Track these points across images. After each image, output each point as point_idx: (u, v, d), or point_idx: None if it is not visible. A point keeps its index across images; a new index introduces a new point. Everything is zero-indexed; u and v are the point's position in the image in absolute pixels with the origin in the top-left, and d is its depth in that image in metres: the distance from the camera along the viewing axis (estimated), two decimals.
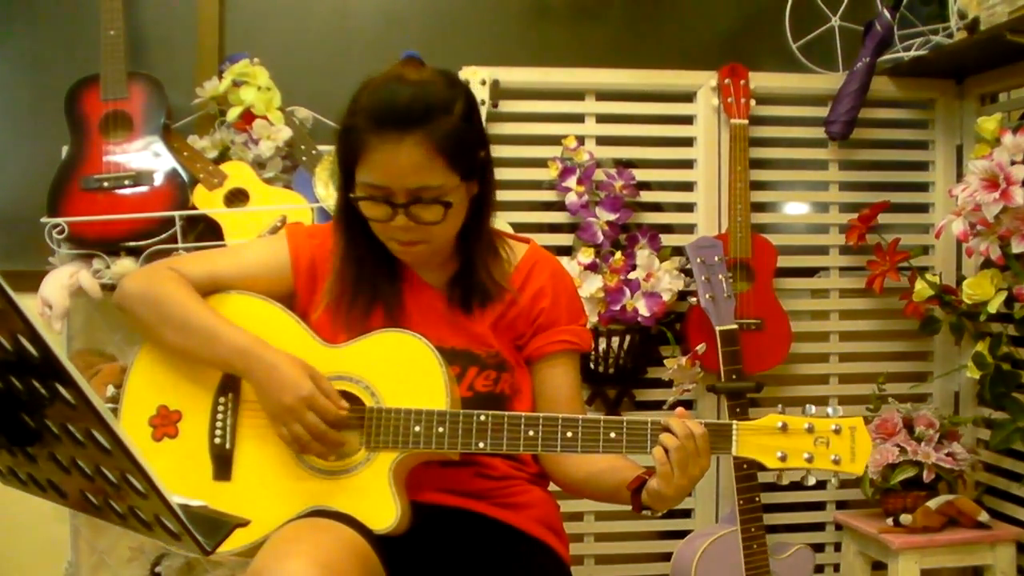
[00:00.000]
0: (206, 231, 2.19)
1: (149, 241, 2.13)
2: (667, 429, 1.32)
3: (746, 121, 2.38)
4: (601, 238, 2.28)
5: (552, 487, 1.58)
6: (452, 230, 1.44)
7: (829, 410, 1.35)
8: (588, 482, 1.48)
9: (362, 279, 1.48)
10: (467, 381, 1.47)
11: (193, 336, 1.42)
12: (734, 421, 1.35)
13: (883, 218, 2.40)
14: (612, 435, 1.35)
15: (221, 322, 1.42)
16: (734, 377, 2.20)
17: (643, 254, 2.28)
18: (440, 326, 1.48)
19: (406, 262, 1.48)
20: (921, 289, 2.30)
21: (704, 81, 2.42)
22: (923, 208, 2.56)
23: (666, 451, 1.30)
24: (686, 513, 2.44)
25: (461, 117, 1.37)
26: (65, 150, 2.21)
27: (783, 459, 1.33)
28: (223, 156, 2.27)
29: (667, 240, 2.36)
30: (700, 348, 2.22)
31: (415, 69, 1.39)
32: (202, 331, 1.41)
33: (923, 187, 2.57)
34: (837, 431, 1.33)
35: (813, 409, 1.35)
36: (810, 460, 1.33)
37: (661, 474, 1.30)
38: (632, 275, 2.26)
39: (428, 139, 1.33)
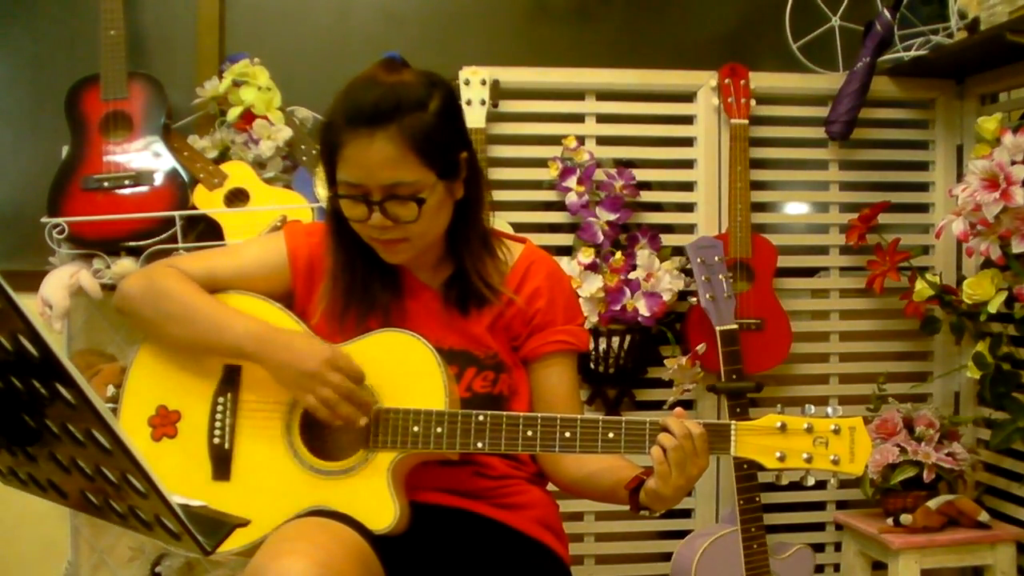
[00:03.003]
0: (206, 231, 2.19)
1: (149, 241, 2.13)
2: (665, 429, 1.32)
3: (746, 121, 2.38)
4: (601, 238, 2.28)
5: (551, 487, 1.58)
6: (432, 229, 1.44)
7: (828, 410, 1.35)
8: (586, 482, 1.48)
9: (355, 283, 1.47)
10: (465, 382, 1.47)
11: (199, 327, 1.42)
12: (732, 421, 1.35)
13: (883, 218, 2.40)
14: (610, 435, 1.35)
15: (226, 310, 1.43)
16: (734, 377, 2.20)
17: (643, 254, 2.28)
18: (438, 327, 1.48)
19: (391, 263, 1.47)
20: (921, 289, 2.30)
21: (704, 81, 2.42)
22: (923, 208, 2.56)
23: (664, 451, 1.30)
24: (686, 513, 2.44)
25: (436, 115, 1.37)
26: (65, 150, 2.21)
27: (782, 459, 1.32)
28: (223, 156, 2.28)
29: (667, 240, 2.36)
30: (700, 348, 2.22)
31: (392, 69, 1.40)
32: (208, 320, 1.42)
33: (923, 187, 2.57)
34: (836, 431, 1.33)
35: (812, 409, 1.35)
36: (809, 460, 1.32)
37: (659, 474, 1.30)
38: (632, 275, 2.26)
39: (399, 135, 1.34)
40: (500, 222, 2.30)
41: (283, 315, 1.47)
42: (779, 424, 1.33)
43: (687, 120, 2.46)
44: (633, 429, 1.35)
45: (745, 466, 2.17)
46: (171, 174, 2.18)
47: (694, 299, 2.27)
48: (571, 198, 2.31)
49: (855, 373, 2.51)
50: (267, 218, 2.12)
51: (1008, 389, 2.16)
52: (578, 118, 2.42)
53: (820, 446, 1.32)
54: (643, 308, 2.25)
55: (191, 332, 1.43)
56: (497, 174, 2.36)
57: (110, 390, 2.06)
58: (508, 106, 2.37)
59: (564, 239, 2.37)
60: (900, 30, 2.42)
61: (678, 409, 1.37)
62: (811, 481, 1.34)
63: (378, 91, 1.35)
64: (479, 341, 1.49)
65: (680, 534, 2.36)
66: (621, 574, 2.45)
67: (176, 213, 2.13)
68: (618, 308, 2.25)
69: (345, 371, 1.36)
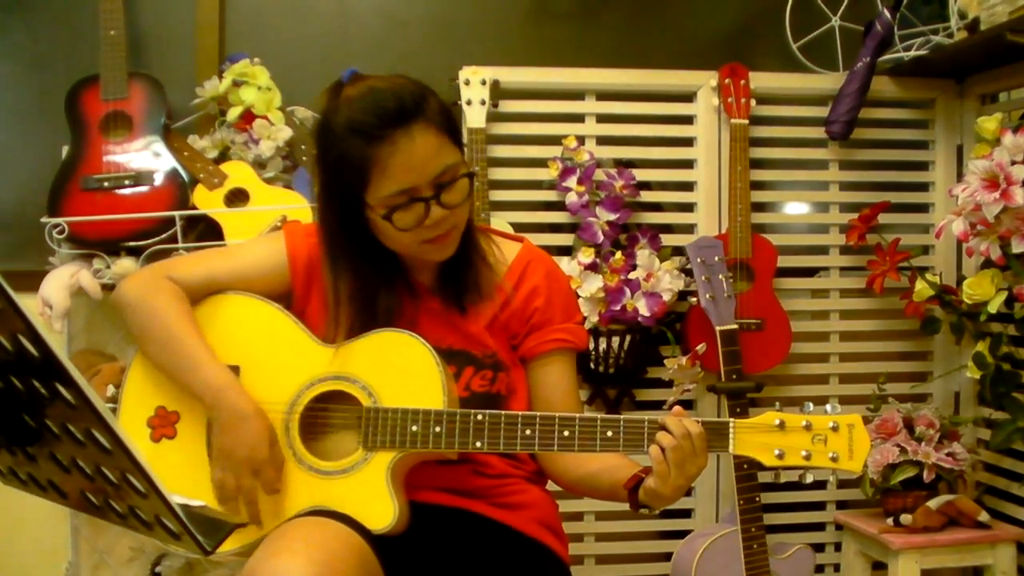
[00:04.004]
0: (206, 231, 2.19)
1: (149, 241, 2.13)
2: (664, 428, 1.32)
3: (746, 121, 2.38)
4: (601, 238, 2.28)
5: (551, 486, 1.58)
6: (469, 208, 1.46)
7: (827, 407, 1.35)
8: (585, 481, 1.48)
9: (366, 302, 1.45)
10: (463, 381, 1.47)
11: (172, 359, 1.42)
12: (731, 419, 1.34)
13: (883, 218, 2.40)
14: (609, 434, 1.35)
15: (203, 353, 1.41)
16: (734, 377, 2.20)
17: (643, 254, 2.28)
18: (437, 326, 1.48)
19: (439, 260, 1.46)
20: (921, 289, 2.30)
21: (704, 81, 2.42)
22: (923, 208, 2.56)
23: (663, 450, 1.29)
24: (686, 513, 2.44)
25: (438, 99, 1.40)
26: (65, 150, 2.21)
27: (780, 457, 1.32)
28: (223, 156, 2.28)
29: (667, 240, 2.36)
30: (700, 348, 2.22)
31: (376, 76, 1.41)
32: (182, 357, 1.41)
33: (923, 187, 2.57)
34: (835, 428, 1.32)
35: (811, 407, 1.35)
36: (808, 458, 1.32)
37: (658, 473, 1.30)
38: (632, 275, 2.26)
39: (431, 123, 1.36)
40: (500, 222, 2.30)
41: (282, 316, 1.47)
42: (777, 422, 1.33)
43: (687, 120, 2.46)
44: (632, 428, 1.34)
45: (745, 466, 2.17)
46: (171, 174, 2.18)
47: (694, 299, 2.27)
48: (571, 198, 2.31)
49: (855, 373, 2.51)
50: (267, 218, 2.12)
51: (1008, 389, 2.16)
52: (578, 118, 2.42)
53: (819, 443, 1.32)
54: (643, 308, 2.25)
55: (164, 359, 1.43)
56: (497, 174, 2.36)
57: (110, 390, 2.06)
58: (508, 106, 2.37)
59: (564, 239, 2.37)
60: (900, 30, 2.42)
61: (676, 407, 1.37)
62: (810, 478, 1.34)
63: (392, 92, 1.35)
64: (477, 340, 1.49)
65: (680, 534, 2.36)
66: (621, 574, 2.45)
67: (176, 213, 2.13)
68: (618, 308, 2.25)
69: (263, 481, 1.37)
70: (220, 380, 1.39)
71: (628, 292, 2.25)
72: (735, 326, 2.21)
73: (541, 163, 2.37)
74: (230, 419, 1.37)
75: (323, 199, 1.44)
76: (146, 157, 2.19)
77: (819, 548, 2.46)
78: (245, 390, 1.40)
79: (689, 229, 2.45)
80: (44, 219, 2.13)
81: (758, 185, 2.44)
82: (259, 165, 2.24)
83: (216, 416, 1.39)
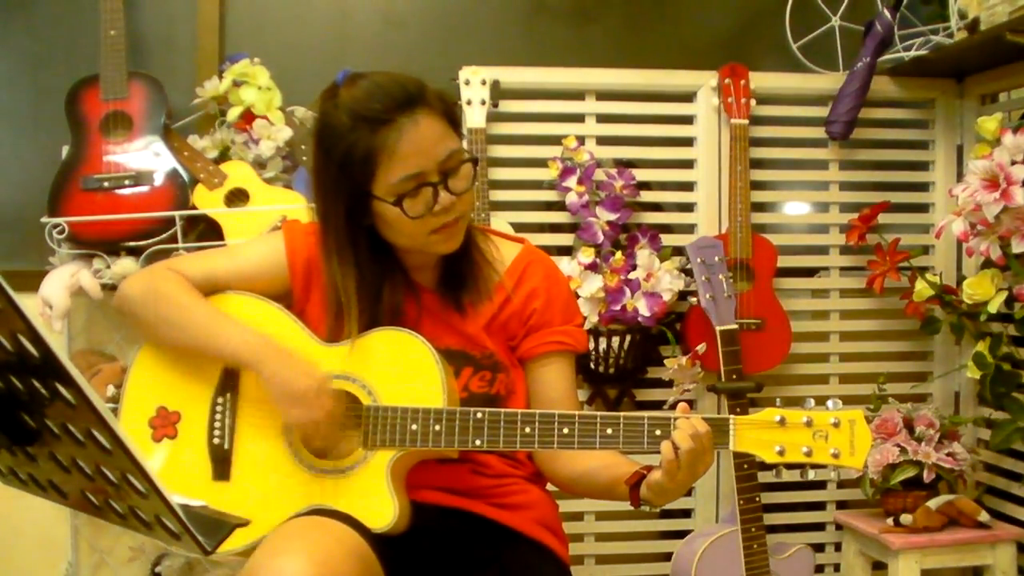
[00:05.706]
0: (206, 231, 2.19)
1: (149, 241, 2.13)
2: (670, 427, 1.31)
3: (746, 121, 2.38)
4: (601, 238, 2.28)
5: (551, 486, 1.58)
6: (474, 197, 1.46)
7: (829, 404, 1.33)
8: (582, 478, 1.48)
9: (371, 302, 1.45)
10: (462, 382, 1.47)
11: (195, 333, 1.42)
12: (731, 416, 1.34)
13: (883, 218, 2.40)
14: (609, 431, 1.35)
15: (223, 318, 1.43)
16: (734, 377, 2.20)
17: (643, 254, 2.28)
18: (435, 327, 1.48)
19: (445, 252, 1.46)
20: (921, 289, 2.30)
21: (704, 81, 2.42)
22: (923, 208, 2.56)
23: (676, 448, 1.29)
24: (686, 513, 2.44)
25: (434, 88, 1.41)
26: (65, 150, 2.21)
27: (781, 453, 1.31)
28: (223, 156, 2.27)
29: (667, 240, 2.36)
30: (700, 348, 2.22)
31: (373, 71, 1.41)
32: (203, 327, 1.41)
33: (923, 187, 2.57)
34: (836, 424, 1.31)
35: (812, 403, 1.34)
36: (808, 454, 1.31)
37: (667, 470, 1.29)
38: (632, 275, 2.26)
39: (433, 108, 1.37)
40: (500, 222, 2.30)
41: (282, 315, 1.47)
42: (778, 418, 1.32)
43: (687, 120, 2.46)
44: (632, 425, 1.34)
45: (745, 466, 2.17)
46: (171, 174, 2.18)
47: (694, 299, 2.27)
48: (571, 198, 2.31)
49: (855, 373, 2.51)
50: (267, 218, 2.12)
51: (1008, 389, 2.16)
52: (578, 118, 2.42)
53: (820, 439, 1.31)
54: (643, 308, 2.25)
55: (187, 337, 1.43)
56: (497, 174, 2.36)
57: (110, 390, 2.06)
58: (508, 106, 2.37)
59: (564, 239, 2.37)
60: (900, 30, 2.42)
61: (682, 405, 1.37)
62: (811, 475, 1.33)
63: (392, 80, 1.37)
64: (475, 341, 1.49)
65: (680, 534, 2.36)
66: (621, 574, 2.45)
67: (176, 213, 2.13)
68: (618, 308, 2.25)
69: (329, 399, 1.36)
70: (248, 336, 1.40)
71: (628, 292, 2.25)
72: (735, 326, 2.21)
73: (541, 163, 2.37)
74: (277, 359, 1.37)
75: (326, 200, 1.43)
76: (146, 157, 2.19)
77: (819, 548, 2.46)
78: (268, 337, 1.40)
79: (689, 229, 2.45)
80: (44, 219, 2.13)
81: (758, 185, 2.44)
82: (259, 165, 2.24)
83: (263, 364, 1.37)
